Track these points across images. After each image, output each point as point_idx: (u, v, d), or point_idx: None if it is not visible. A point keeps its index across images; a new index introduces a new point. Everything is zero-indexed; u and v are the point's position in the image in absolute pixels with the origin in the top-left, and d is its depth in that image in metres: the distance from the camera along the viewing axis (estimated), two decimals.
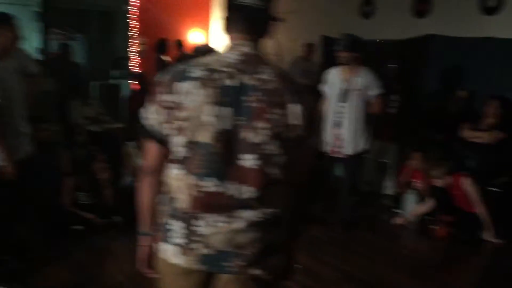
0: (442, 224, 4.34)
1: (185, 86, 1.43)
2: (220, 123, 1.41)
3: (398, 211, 4.83)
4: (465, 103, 5.26)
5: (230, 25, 1.55)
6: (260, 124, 1.41)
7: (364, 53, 4.30)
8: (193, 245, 1.46)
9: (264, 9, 1.51)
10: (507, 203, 4.54)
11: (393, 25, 6.25)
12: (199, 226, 1.45)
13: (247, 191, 1.43)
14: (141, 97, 6.54)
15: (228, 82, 1.42)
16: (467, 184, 4.26)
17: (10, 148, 3.11)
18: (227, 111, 1.41)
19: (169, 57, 7.86)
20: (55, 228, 3.83)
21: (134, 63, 8.77)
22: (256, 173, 1.42)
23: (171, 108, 1.45)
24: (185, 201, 1.46)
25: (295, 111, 1.44)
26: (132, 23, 9.01)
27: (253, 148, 1.41)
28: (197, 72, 1.44)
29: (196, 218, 1.45)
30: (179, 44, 8.35)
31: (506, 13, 5.23)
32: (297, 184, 1.56)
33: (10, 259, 3.29)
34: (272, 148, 1.43)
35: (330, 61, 4.50)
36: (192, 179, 1.44)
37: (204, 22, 9.62)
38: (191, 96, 1.42)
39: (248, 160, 1.42)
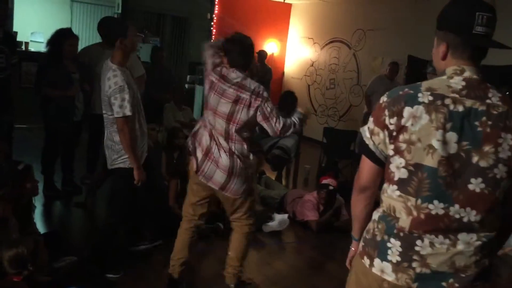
0: None
1: (412, 110, 1.46)
2: (445, 148, 1.43)
3: None
4: None
5: (455, 51, 1.53)
6: (489, 149, 1.43)
7: None
8: (410, 264, 1.50)
9: (489, 37, 1.50)
10: None
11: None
12: (418, 246, 1.49)
13: (472, 215, 1.46)
14: None
15: (453, 107, 1.44)
16: None
17: (139, 149, 3.19)
18: (453, 136, 1.43)
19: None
20: (164, 230, 3.88)
21: None
22: (484, 197, 1.45)
23: (396, 130, 1.49)
24: (406, 221, 1.50)
25: None
26: (209, 30, 9.14)
27: (481, 172, 1.43)
28: (425, 97, 1.46)
29: (416, 239, 1.49)
30: (261, 54, 8.39)
31: None
32: None
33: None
34: (500, 172, 1.44)
35: (414, 82, 4.35)
36: (414, 201, 1.48)
37: (281, 33, 9.66)
38: (418, 120, 1.45)
39: (476, 184, 1.44)
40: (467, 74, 1.50)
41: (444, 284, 1.49)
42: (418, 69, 6.16)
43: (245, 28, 9.12)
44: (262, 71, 8.33)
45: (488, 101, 1.45)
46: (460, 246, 1.47)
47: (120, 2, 8.71)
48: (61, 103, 4.41)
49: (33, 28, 9.46)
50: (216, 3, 8.98)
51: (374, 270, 1.58)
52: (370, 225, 1.64)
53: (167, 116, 5.50)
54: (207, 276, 3.58)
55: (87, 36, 9.77)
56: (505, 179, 1.45)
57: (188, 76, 9.18)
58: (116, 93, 2.96)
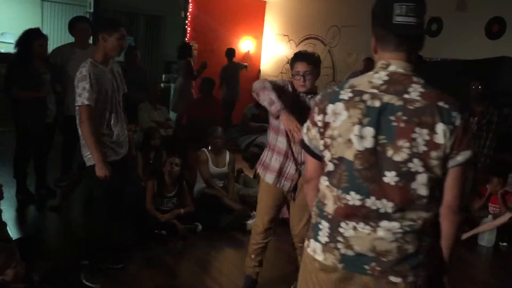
0: None
1: (333, 107, 1.55)
2: (362, 142, 1.49)
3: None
4: None
5: (382, 44, 1.56)
6: (403, 143, 1.45)
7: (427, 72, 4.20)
8: (336, 245, 1.58)
9: (418, 25, 1.50)
10: None
11: (461, 45, 6.18)
12: (343, 228, 1.56)
13: (388, 206, 1.49)
14: (205, 103, 6.61)
15: (371, 103, 1.49)
16: None
17: (120, 153, 3.13)
18: (369, 131, 1.48)
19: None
20: (140, 231, 3.83)
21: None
22: (398, 190, 1.47)
23: (322, 126, 1.59)
24: (331, 208, 1.59)
25: (446, 131, 1.44)
26: (184, 28, 9.05)
27: (395, 166, 1.46)
28: (345, 94, 1.53)
29: (341, 221, 1.57)
30: (229, 52, 8.34)
31: None
32: (451, 206, 1.53)
33: (104, 258, 3.31)
34: (415, 167, 1.46)
35: None
36: (336, 192, 1.57)
37: (256, 31, 9.64)
38: (338, 116, 1.53)
39: (391, 178, 1.48)
40: (392, 68, 1.52)
41: (366, 266, 1.53)
42: None
43: (220, 26, 9.09)
44: (230, 68, 8.27)
45: (406, 96, 1.47)
46: (380, 233, 1.51)
47: (92, 1, 8.51)
48: (31, 104, 4.30)
49: (3, 28, 9.23)
50: (190, 1, 8.90)
51: (309, 250, 1.67)
52: (312, 210, 1.75)
53: (143, 116, 5.42)
54: (187, 278, 3.54)
55: (59, 36, 9.56)
56: (421, 173, 1.46)
57: (164, 75, 9.09)
58: (78, 82, 2.91)
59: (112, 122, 3.11)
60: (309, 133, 1.65)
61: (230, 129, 6.90)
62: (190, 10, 8.92)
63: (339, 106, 1.53)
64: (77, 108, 2.93)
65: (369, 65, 7.06)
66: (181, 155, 5.40)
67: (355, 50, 7.90)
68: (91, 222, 3.31)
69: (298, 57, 2.88)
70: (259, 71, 9.90)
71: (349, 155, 1.51)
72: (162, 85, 8.68)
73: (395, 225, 1.50)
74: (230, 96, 8.16)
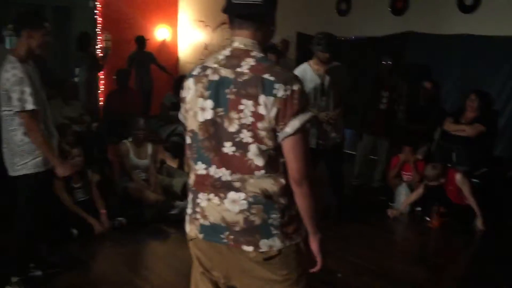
0: (436, 215, 4.49)
1: (187, 82, 1.66)
2: (204, 114, 1.58)
3: (391, 204, 4.95)
4: (431, 94, 5.47)
5: (230, 22, 1.63)
6: (233, 115, 1.52)
7: (338, 51, 4.35)
8: (195, 215, 1.66)
9: (258, 4, 1.54)
10: (488, 193, 4.79)
11: (370, 23, 6.40)
12: (199, 198, 1.64)
13: (227, 175, 1.57)
14: (122, 94, 6.37)
15: (212, 77, 1.57)
16: (459, 180, 4.42)
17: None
18: (209, 103, 1.57)
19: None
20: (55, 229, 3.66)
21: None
22: (236, 159, 1.55)
23: (183, 101, 1.69)
24: (192, 179, 1.68)
25: (267, 102, 1.48)
26: (93, 18, 8.65)
27: (230, 136, 1.54)
28: (196, 70, 1.65)
29: (198, 192, 1.65)
30: (139, 40, 8.07)
31: (482, 11, 5.49)
32: (293, 178, 1.56)
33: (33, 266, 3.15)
34: (246, 137, 1.52)
35: (305, 58, 4.49)
36: (192, 163, 1.66)
37: (171, 18, 9.42)
38: (189, 91, 1.64)
39: (228, 148, 1.55)
40: (235, 44, 1.60)
41: (222, 236, 1.61)
42: (306, 45, 6.36)
43: (133, 15, 8.78)
44: (140, 56, 8.01)
45: (238, 69, 1.54)
46: (227, 204, 1.58)
47: None
48: None
49: None
50: None
51: (185, 225, 1.75)
52: None
53: (54, 113, 5.13)
54: (113, 280, 3.42)
55: None
56: (252, 144, 1.52)
57: (77, 69, 8.65)
58: (14, 85, 2.71)
59: (46, 124, 2.93)
60: (181, 109, 1.72)
61: (149, 119, 6.73)
62: None
63: (190, 81, 1.64)
64: (20, 113, 2.74)
65: (284, 46, 7.15)
66: (100, 150, 5.23)
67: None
68: (19, 233, 3.03)
69: None
70: (177, 58, 9.71)
71: (195, 126, 1.61)
72: (76, 79, 8.26)
73: (241, 196, 1.56)
74: (142, 86, 7.88)
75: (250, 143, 1.52)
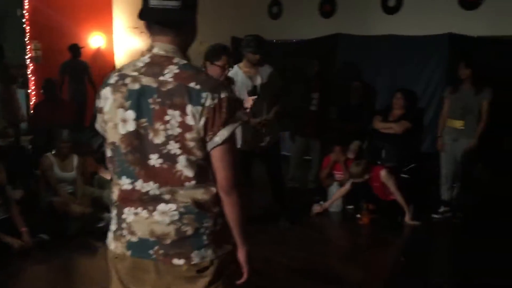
0: (365, 212, 4.59)
1: (104, 91, 1.56)
2: (125, 126, 1.50)
3: (323, 203, 5.01)
4: (362, 94, 5.61)
5: (148, 27, 1.55)
6: (159, 126, 1.45)
7: (268, 53, 4.36)
8: (122, 232, 1.57)
9: (177, 9, 1.48)
10: (416, 187, 4.95)
11: (301, 26, 6.50)
12: (125, 213, 1.56)
13: (155, 188, 1.50)
14: (50, 105, 6.13)
15: (132, 86, 1.49)
16: (383, 176, 4.54)
17: None
18: (131, 114, 1.49)
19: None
20: None
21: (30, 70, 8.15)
22: (164, 172, 1.48)
23: (99, 112, 1.59)
24: (116, 195, 1.59)
25: (195, 112, 1.42)
26: (22, 27, 8.32)
27: (156, 148, 1.47)
28: (113, 78, 1.55)
29: (124, 207, 1.56)
30: (73, 48, 7.82)
31: (404, 12, 5.68)
32: (222, 187, 1.52)
33: None
34: (174, 149, 1.46)
35: (237, 61, 4.49)
36: (115, 177, 1.58)
37: (106, 25, 9.20)
38: (107, 101, 1.54)
39: (155, 160, 1.48)
40: (154, 50, 1.52)
41: (151, 251, 1.53)
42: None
43: (65, 23, 8.51)
44: (74, 65, 7.74)
45: (161, 78, 1.46)
46: (156, 216, 1.51)
47: None
48: None
49: None
50: None
51: (107, 241, 1.66)
52: None
53: None
54: None
55: None
56: (180, 155, 1.46)
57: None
58: None
59: None
60: (98, 119, 1.63)
61: (84, 130, 6.54)
62: (26, 7, 8.20)
63: (107, 90, 1.54)
64: None
65: None
66: (26, 164, 5.02)
67: (206, 39, 7.90)
68: None
69: None
70: (114, 66, 9.50)
71: (117, 139, 1.52)
72: None
73: (171, 206, 1.50)
74: (75, 96, 7.64)
75: (178, 155, 1.46)
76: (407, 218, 4.54)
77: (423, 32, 5.46)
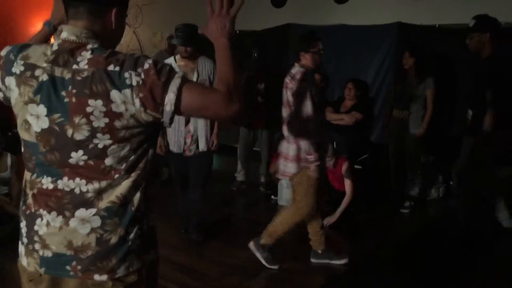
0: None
1: (9, 80, 1.38)
2: (39, 122, 1.33)
3: (274, 197, 4.93)
4: (320, 87, 5.52)
5: (65, 8, 1.39)
6: (79, 120, 1.29)
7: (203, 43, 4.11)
8: (33, 246, 1.39)
9: None
10: (369, 178, 4.93)
11: (253, 16, 6.36)
12: (37, 225, 1.38)
13: (82, 185, 1.34)
14: None
15: (42, 78, 1.32)
16: (344, 168, 4.40)
17: None
18: (43, 109, 1.32)
19: None
20: None
21: None
22: (90, 168, 1.33)
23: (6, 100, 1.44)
24: (29, 197, 1.40)
25: (124, 97, 1.27)
26: None
27: (79, 145, 1.31)
28: (18, 67, 1.36)
29: (36, 217, 1.38)
30: None
31: (354, 1, 5.62)
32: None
33: None
34: (102, 142, 1.31)
35: None
36: (30, 176, 1.41)
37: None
38: (12, 93, 1.37)
39: (78, 158, 1.33)
40: (63, 35, 1.35)
41: (68, 267, 1.35)
42: None
43: (11, 14, 8.11)
44: None
45: (75, 66, 1.29)
46: (73, 224, 1.34)
47: None
48: None
49: None
50: None
51: (19, 255, 1.46)
52: None
53: None
54: None
55: None
56: (111, 146, 1.31)
57: None
58: None
59: None
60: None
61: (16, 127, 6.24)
62: None
63: (12, 81, 1.36)
64: None
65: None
66: None
67: (160, 29, 7.70)
68: None
69: None
70: None
71: (30, 137, 1.36)
72: None
73: (91, 211, 1.33)
74: None
75: (108, 146, 1.30)
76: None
77: (373, 22, 5.41)
